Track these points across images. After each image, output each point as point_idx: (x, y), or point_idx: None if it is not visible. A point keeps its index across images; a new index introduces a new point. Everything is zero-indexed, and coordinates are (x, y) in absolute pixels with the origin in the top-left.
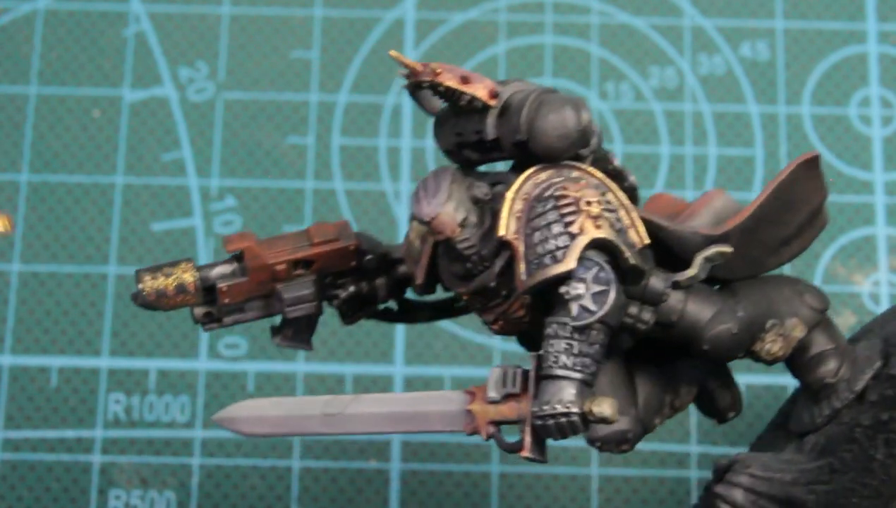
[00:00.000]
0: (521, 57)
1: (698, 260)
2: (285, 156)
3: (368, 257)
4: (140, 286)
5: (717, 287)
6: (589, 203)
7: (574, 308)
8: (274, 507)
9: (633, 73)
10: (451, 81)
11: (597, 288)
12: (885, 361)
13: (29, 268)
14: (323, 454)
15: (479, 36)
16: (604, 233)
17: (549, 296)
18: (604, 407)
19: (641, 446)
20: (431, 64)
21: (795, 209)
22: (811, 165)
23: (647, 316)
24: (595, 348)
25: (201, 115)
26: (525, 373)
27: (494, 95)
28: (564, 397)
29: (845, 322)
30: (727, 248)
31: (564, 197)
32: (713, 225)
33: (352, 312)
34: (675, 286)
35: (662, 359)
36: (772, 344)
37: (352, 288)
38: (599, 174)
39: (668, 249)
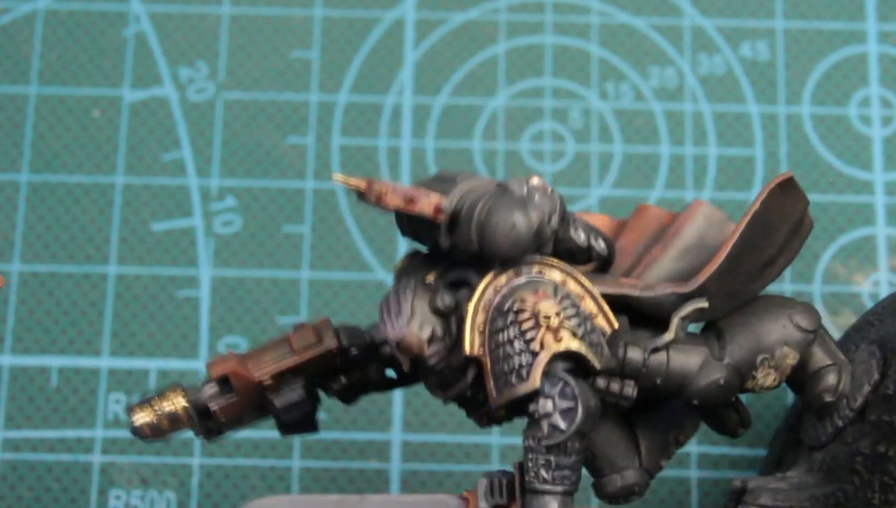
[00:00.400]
0: (521, 57)
1: (675, 321)
2: (285, 156)
3: (353, 352)
4: (134, 422)
5: (702, 328)
6: (547, 317)
7: (545, 426)
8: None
9: (633, 73)
10: (395, 202)
11: (564, 405)
12: (883, 374)
13: (29, 268)
14: (323, 454)
15: (479, 36)
16: (564, 346)
17: (522, 408)
18: None
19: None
20: (376, 184)
21: (776, 230)
22: (785, 187)
23: (630, 391)
24: (573, 458)
25: (201, 115)
26: (511, 485)
27: (440, 211)
28: None
29: (846, 322)
30: (703, 304)
31: (522, 311)
32: (696, 248)
33: (350, 397)
34: (655, 352)
35: (660, 402)
36: (764, 378)
37: (343, 381)
38: (559, 264)
39: (646, 311)
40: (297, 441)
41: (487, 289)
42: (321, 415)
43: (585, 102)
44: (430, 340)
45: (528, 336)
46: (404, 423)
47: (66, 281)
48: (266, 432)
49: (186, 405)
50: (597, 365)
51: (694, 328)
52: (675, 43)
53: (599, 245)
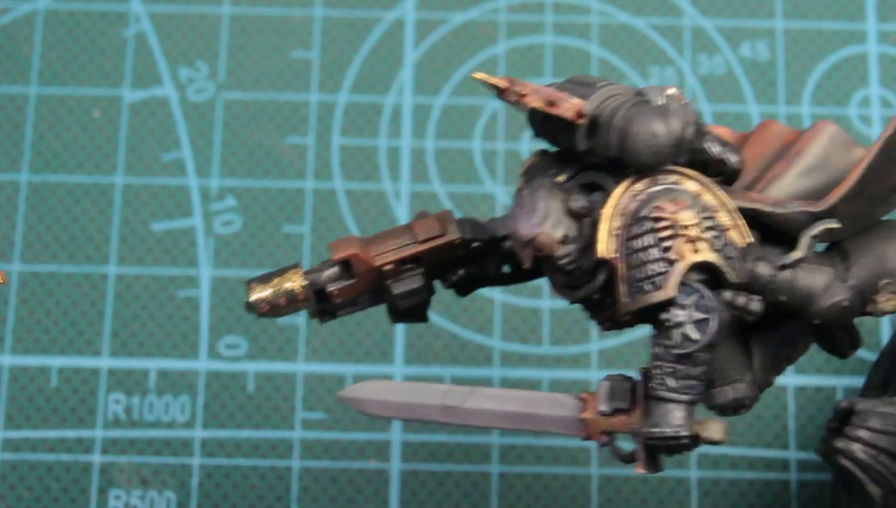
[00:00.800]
0: (521, 57)
1: (805, 239)
2: (285, 156)
3: (475, 244)
4: (251, 297)
5: (825, 248)
6: (686, 226)
7: (676, 335)
8: (274, 507)
9: (633, 73)
10: (536, 103)
11: (698, 316)
12: None
13: (29, 268)
14: (323, 454)
15: (479, 36)
16: (702, 257)
17: (653, 316)
18: (712, 431)
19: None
20: (517, 84)
21: None
22: None
23: (756, 305)
24: (700, 369)
25: (201, 115)
26: (633, 390)
27: (581, 115)
28: (673, 421)
29: None
30: (834, 224)
31: (661, 219)
32: (821, 168)
33: (465, 290)
34: (783, 268)
35: (778, 319)
36: (885, 303)
37: (462, 273)
38: (695, 175)
39: (776, 228)
40: (297, 441)
41: (624, 195)
42: (321, 415)
43: None
44: (563, 241)
45: (666, 244)
46: (404, 423)
47: (66, 281)
48: (266, 432)
49: (305, 283)
50: (731, 278)
51: (818, 248)
52: (675, 43)
53: (732, 158)
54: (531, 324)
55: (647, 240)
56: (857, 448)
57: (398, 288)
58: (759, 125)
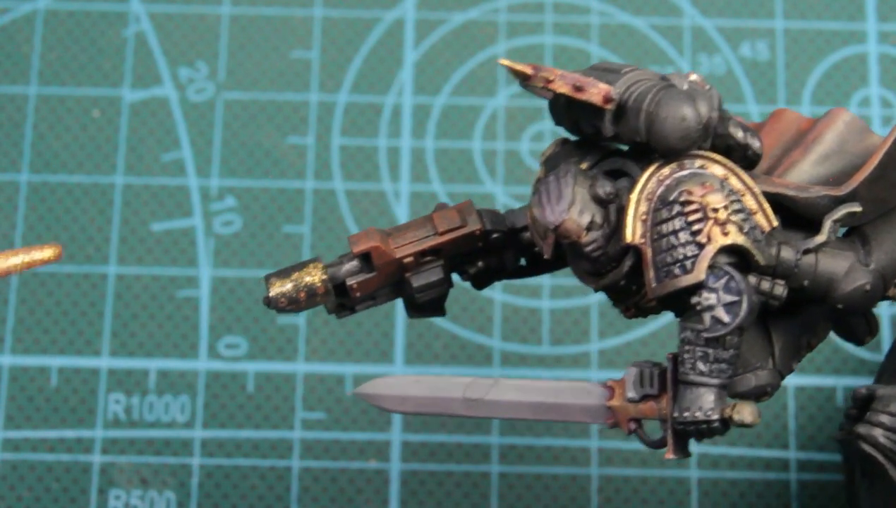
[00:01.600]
0: (521, 57)
1: (827, 223)
2: (285, 156)
3: (495, 236)
4: (270, 292)
5: (845, 232)
6: (715, 209)
7: (707, 319)
8: (274, 507)
9: None
10: (563, 89)
11: (729, 299)
12: None
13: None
14: (323, 454)
15: (479, 36)
16: (731, 239)
17: (680, 301)
18: (744, 414)
19: (642, 446)
20: (543, 70)
21: None
22: None
23: (780, 290)
24: (730, 352)
25: (201, 115)
26: (662, 375)
27: (609, 100)
28: (704, 404)
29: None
30: (856, 208)
31: (690, 203)
32: (837, 154)
33: (483, 283)
34: (806, 253)
35: (798, 306)
36: None
37: (480, 264)
38: (721, 159)
39: (798, 213)
40: (296, 441)
41: (651, 180)
42: (321, 415)
43: None
44: (590, 227)
45: (695, 228)
46: (404, 423)
47: (66, 281)
48: (266, 432)
49: (325, 277)
50: (760, 261)
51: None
52: (675, 43)
53: (755, 143)
54: (531, 324)
55: (676, 223)
56: (879, 433)
57: (418, 280)
58: (773, 113)
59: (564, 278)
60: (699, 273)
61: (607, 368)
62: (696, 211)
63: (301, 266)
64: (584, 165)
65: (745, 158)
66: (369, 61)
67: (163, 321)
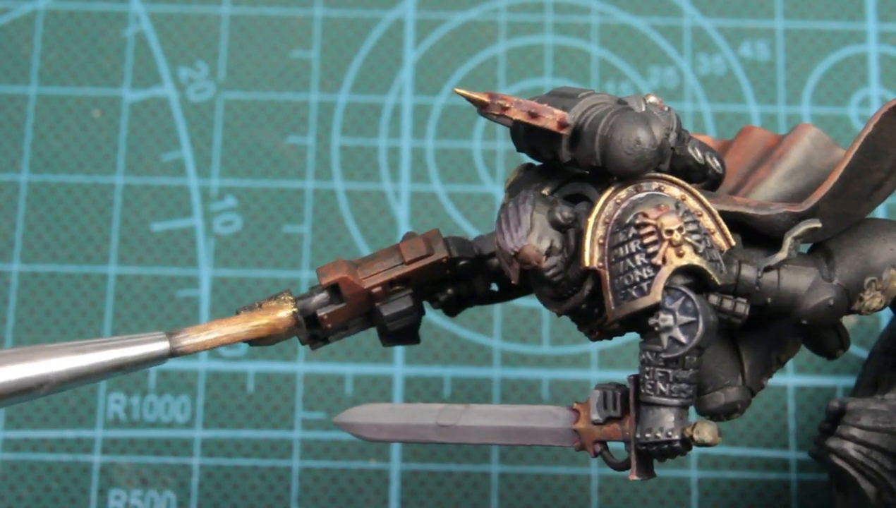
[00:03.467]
0: (521, 57)
1: (788, 240)
2: (285, 156)
3: (462, 263)
4: None
5: (809, 249)
6: (670, 231)
7: (664, 339)
8: (274, 507)
9: (633, 73)
10: (518, 116)
11: (685, 319)
12: None
13: (29, 268)
14: (323, 454)
15: (479, 36)
16: (687, 261)
17: (640, 323)
18: (704, 434)
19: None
20: (499, 98)
21: (886, 154)
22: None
23: (742, 308)
24: (690, 372)
25: (201, 115)
26: (624, 398)
27: (564, 126)
28: (665, 425)
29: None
30: (816, 224)
31: (645, 225)
32: (803, 169)
33: (455, 309)
34: (767, 270)
35: (765, 322)
36: (871, 300)
37: (450, 292)
38: (678, 181)
39: (759, 230)
40: (296, 441)
41: (608, 203)
42: (321, 415)
43: None
44: (549, 252)
45: (651, 250)
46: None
47: (66, 281)
48: (266, 432)
49: (295, 310)
50: (717, 281)
51: (802, 250)
52: (675, 43)
53: (715, 163)
54: (531, 324)
55: (632, 246)
56: (849, 446)
57: (388, 309)
58: (741, 131)
59: None
60: (655, 294)
61: (607, 368)
62: (651, 233)
63: (271, 298)
64: (545, 190)
65: (705, 178)
66: (369, 61)
67: (163, 321)
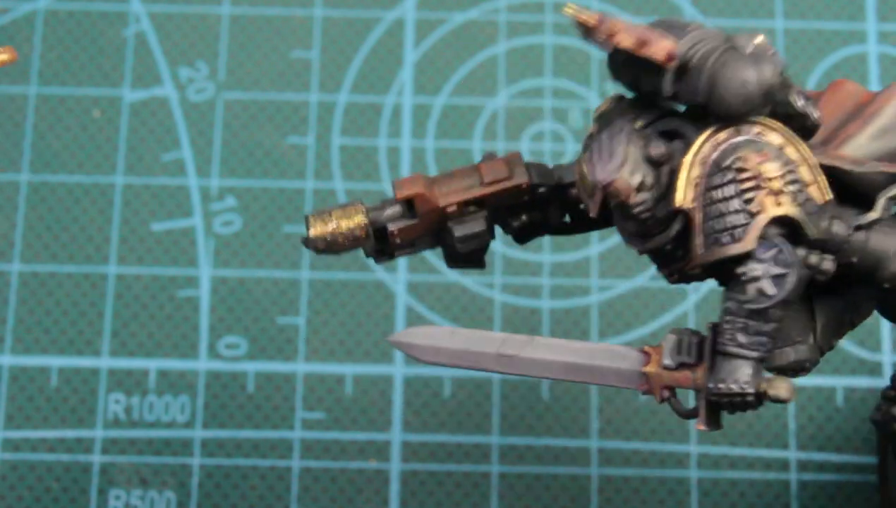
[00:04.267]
0: (522, 57)
1: (881, 201)
2: (285, 156)
3: (541, 190)
4: (311, 232)
5: None
6: (770, 178)
7: (751, 290)
8: (274, 507)
9: None
10: (626, 43)
11: (776, 271)
12: None
13: (29, 268)
14: (323, 454)
15: (479, 36)
16: (784, 211)
17: (726, 270)
18: (780, 390)
19: (641, 446)
20: (608, 22)
21: None
22: None
23: (828, 265)
24: (771, 326)
25: (201, 115)
26: (700, 344)
27: (672, 57)
28: (740, 377)
29: None
30: None
31: (744, 170)
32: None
33: (525, 237)
34: (858, 229)
35: (844, 282)
36: None
37: (524, 218)
38: (780, 127)
39: (852, 187)
40: (297, 441)
41: (706, 143)
42: (321, 415)
43: (585, 102)
44: (640, 187)
45: (748, 196)
46: (404, 423)
47: (66, 281)
48: (266, 432)
49: (367, 222)
50: (811, 233)
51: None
52: None
53: (815, 113)
54: (531, 324)
55: (729, 190)
56: None
57: (460, 230)
58: (832, 84)
59: (564, 278)
60: (749, 242)
61: None
62: (750, 179)
63: (342, 207)
64: (638, 124)
65: (803, 128)
66: (369, 61)
67: (163, 321)
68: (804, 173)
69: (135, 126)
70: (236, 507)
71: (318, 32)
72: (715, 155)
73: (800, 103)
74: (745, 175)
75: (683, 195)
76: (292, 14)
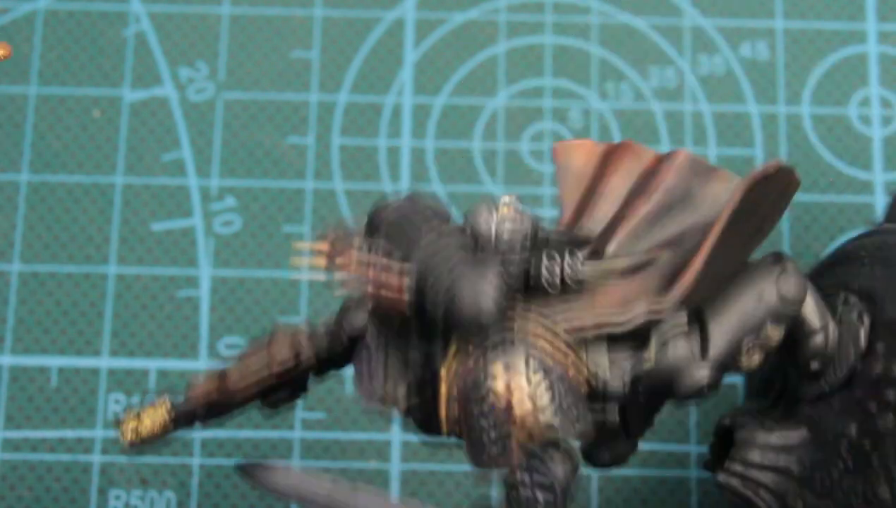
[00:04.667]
0: (522, 57)
1: (654, 342)
2: (285, 156)
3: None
4: (126, 439)
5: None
6: (522, 416)
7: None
8: (274, 507)
9: (633, 73)
10: (361, 291)
11: (543, 497)
12: (869, 343)
13: (29, 268)
14: (323, 454)
15: (479, 36)
16: (539, 442)
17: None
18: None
19: (641, 446)
20: (340, 250)
21: (759, 206)
22: (768, 177)
23: (613, 417)
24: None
25: (201, 115)
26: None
27: (403, 291)
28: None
29: None
30: (682, 320)
31: (496, 402)
32: (682, 202)
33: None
34: (635, 380)
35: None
36: (749, 361)
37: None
38: (522, 312)
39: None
40: (297, 440)
41: (456, 358)
42: (321, 415)
43: (585, 102)
44: (407, 397)
45: (503, 431)
46: (404, 423)
47: (66, 281)
48: (266, 432)
49: (168, 420)
50: (573, 438)
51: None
52: (675, 43)
53: (577, 264)
54: None
55: (484, 422)
56: (737, 482)
57: (268, 402)
58: (620, 145)
59: None
60: (510, 469)
61: None
62: (502, 410)
63: (149, 406)
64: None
65: (559, 280)
66: (369, 61)
67: (163, 321)
68: (560, 357)
69: (135, 126)
70: (236, 507)
71: (318, 32)
72: (469, 379)
73: (544, 269)
74: (495, 404)
75: (447, 415)
76: (292, 14)
